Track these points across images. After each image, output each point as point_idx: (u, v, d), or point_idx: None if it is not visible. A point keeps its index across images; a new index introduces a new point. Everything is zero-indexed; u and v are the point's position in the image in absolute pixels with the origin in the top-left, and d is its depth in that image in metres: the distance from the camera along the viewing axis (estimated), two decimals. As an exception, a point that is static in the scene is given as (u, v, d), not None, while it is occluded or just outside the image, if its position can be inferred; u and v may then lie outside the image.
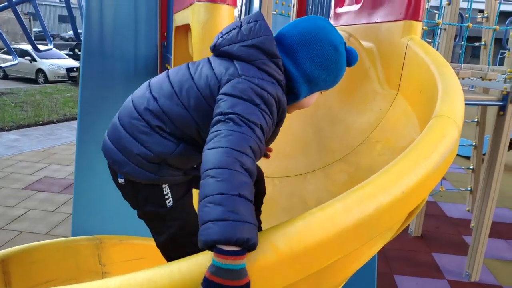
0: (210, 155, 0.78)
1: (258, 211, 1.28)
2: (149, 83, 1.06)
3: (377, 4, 1.61)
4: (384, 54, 1.54)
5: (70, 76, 13.80)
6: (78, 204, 2.40)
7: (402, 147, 0.91)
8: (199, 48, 1.29)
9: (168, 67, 2.23)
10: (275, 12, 3.86)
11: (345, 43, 1.07)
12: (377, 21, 1.60)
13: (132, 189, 1.04)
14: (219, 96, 0.90)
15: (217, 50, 1.02)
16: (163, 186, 1.01)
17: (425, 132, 0.91)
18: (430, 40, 3.91)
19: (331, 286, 0.87)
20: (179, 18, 1.71)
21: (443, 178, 4.82)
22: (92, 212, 2.41)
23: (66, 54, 16.03)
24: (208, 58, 1.04)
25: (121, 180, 1.04)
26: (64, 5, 3.58)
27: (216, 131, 0.82)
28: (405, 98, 1.40)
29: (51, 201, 4.42)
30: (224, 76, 0.93)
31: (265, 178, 1.46)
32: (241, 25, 1.00)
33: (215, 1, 1.26)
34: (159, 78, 1.05)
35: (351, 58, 1.07)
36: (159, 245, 1.10)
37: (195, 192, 1.27)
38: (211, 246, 0.68)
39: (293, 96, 1.03)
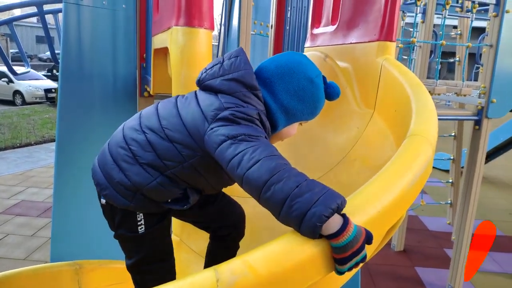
0: (256, 171, 0.82)
1: (234, 250, 1.29)
2: (140, 115, 1.10)
3: (352, 25, 1.65)
4: (360, 74, 1.58)
5: (48, 97, 13.62)
6: (57, 228, 2.35)
7: (380, 165, 0.93)
8: (178, 71, 1.30)
9: (147, 88, 2.23)
10: (253, 32, 3.92)
11: (325, 78, 1.12)
12: (352, 42, 1.64)
13: (110, 211, 1.10)
14: (213, 127, 0.94)
15: (201, 85, 1.07)
16: (138, 213, 1.07)
17: (400, 152, 0.93)
18: (406, 57, 4.01)
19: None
20: (158, 41, 1.73)
21: (424, 192, 4.90)
22: (71, 236, 2.36)
23: (44, 75, 15.85)
24: (195, 92, 1.08)
25: (103, 201, 1.10)
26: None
27: (239, 153, 0.86)
28: (381, 117, 1.43)
29: (29, 225, 4.30)
30: (211, 112, 0.97)
31: (245, 198, 1.46)
32: (223, 61, 1.06)
33: (193, 25, 1.28)
34: (149, 111, 1.10)
35: (330, 92, 1.12)
36: (127, 268, 1.15)
37: (175, 221, 1.27)
38: (320, 233, 0.73)
39: (272, 127, 1.07)
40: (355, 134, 1.50)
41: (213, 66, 1.06)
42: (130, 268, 1.14)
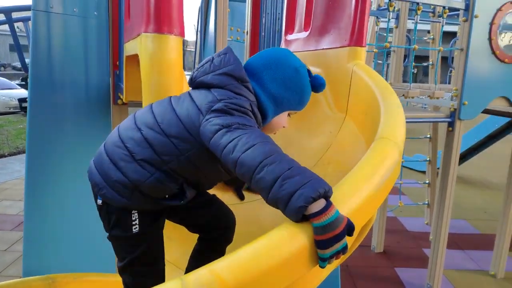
0: (250, 153, 0.87)
1: (221, 254, 1.29)
2: (134, 116, 1.15)
3: (324, 32, 1.67)
4: (332, 79, 1.60)
5: (23, 107, 13.27)
6: (29, 242, 2.28)
7: (352, 168, 0.94)
8: (148, 78, 1.29)
9: (121, 96, 2.20)
10: (230, 39, 3.93)
11: (309, 70, 1.19)
12: (324, 47, 1.66)
13: (106, 211, 1.11)
14: (208, 118, 0.99)
15: (193, 83, 1.14)
16: (133, 212, 1.08)
17: (367, 155, 0.94)
18: (380, 62, 4.09)
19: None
20: (129, 47, 1.71)
21: (402, 193, 4.97)
22: (44, 249, 2.30)
23: (18, 84, 15.46)
24: (189, 92, 1.13)
25: (99, 201, 1.11)
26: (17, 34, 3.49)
27: (234, 139, 0.91)
28: (352, 120, 1.45)
29: (2, 239, 4.16)
30: (205, 105, 1.03)
31: (234, 205, 1.45)
32: (213, 59, 1.13)
33: (162, 32, 1.27)
34: (143, 111, 1.14)
35: (316, 84, 1.19)
36: (119, 270, 1.16)
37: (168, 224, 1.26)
38: (303, 214, 0.77)
39: (262, 117, 1.13)
40: (328, 138, 1.51)
41: (203, 64, 1.13)
42: (122, 269, 1.15)
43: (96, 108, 2.38)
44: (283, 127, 1.23)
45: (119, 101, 2.37)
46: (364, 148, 1.29)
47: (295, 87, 1.14)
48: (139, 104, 2.65)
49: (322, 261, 0.77)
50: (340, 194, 0.84)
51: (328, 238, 0.76)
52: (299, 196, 0.77)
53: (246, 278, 0.69)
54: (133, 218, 1.09)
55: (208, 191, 1.28)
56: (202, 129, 0.98)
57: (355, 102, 1.44)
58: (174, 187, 1.07)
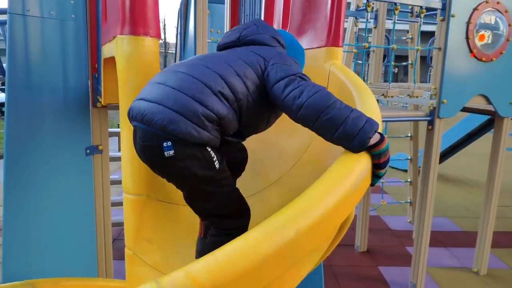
0: (318, 97, 1.05)
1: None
2: (203, 63, 1.19)
3: (301, 32, 1.68)
4: (310, 78, 1.60)
5: (2, 111, 13.01)
6: (9, 247, 2.23)
7: (327, 168, 0.94)
8: (124, 80, 1.27)
9: (100, 99, 2.17)
10: (210, 40, 3.91)
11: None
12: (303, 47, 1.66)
13: (179, 158, 1.04)
14: (273, 63, 1.17)
15: (242, 40, 1.31)
16: (209, 149, 1.09)
17: (343, 155, 0.95)
18: (360, 62, 4.13)
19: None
20: (106, 50, 1.69)
21: (384, 192, 5.03)
22: (25, 254, 2.25)
23: (-1, 88, 15.16)
24: (242, 48, 1.30)
25: (170, 152, 1.03)
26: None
27: (298, 87, 1.09)
28: (331, 120, 1.46)
29: (-19, 247, 4.06)
30: (268, 56, 1.20)
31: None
32: (253, 24, 1.35)
33: (138, 34, 1.25)
34: (203, 60, 1.21)
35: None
36: (209, 210, 1.17)
37: (128, 235, 1.23)
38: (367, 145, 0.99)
39: None
40: (307, 139, 1.51)
41: (247, 27, 1.34)
42: (213, 208, 1.16)
43: (75, 111, 2.34)
44: None
45: (98, 104, 2.33)
46: (342, 148, 1.30)
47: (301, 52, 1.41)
48: (118, 107, 2.62)
49: (379, 178, 1.02)
50: (316, 194, 0.84)
51: (384, 161, 1.00)
52: (364, 130, 0.98)
53: (222, 280, 0.68)
54: (212, 155, 1.09)
55: None
56: (267, 77, 1.14)
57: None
58: (237, 126, 1.17)
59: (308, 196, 0.82)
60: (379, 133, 1.01)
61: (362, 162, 0.94)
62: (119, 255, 2.50)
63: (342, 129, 0.99)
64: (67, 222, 2.31)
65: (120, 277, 2.04)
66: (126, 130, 1.28)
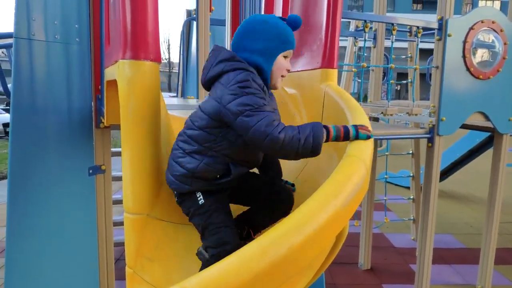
0: (270, 137, 1.15)
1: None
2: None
3: (298, 54, 1.73)
4: (306, 99, 1.65)
5: (7, 132, 13.15)
6: (11, 268, 2.24)
7: (324, 185, 0.97)
8: (125, 104, 1.32)
9: (103, 120, 2.22)
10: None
11: (280, 17, 1.36)
12: (298, 69, 1.71)
13: (182, 202, 1.37)
14: (226, 106, 1.22)
15: (205, 84, 1.38)
16: (197, 192, 1.34)
17: (335, 173, 0.98)
18: (359, 80, 4.19)
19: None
20: (109, 73, 1.74)
21: (388, 209, 5.01)
22: (27, 275, 2.27)
23: (3, 109, 15.36)
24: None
25: (175, 193, 1.39)
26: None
27: (250, 124, 1.17)
28: (327, 139, 1.49)
29: (-16, 267, 4.08)
30: (220, 94, 1.25)
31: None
32: (210, 55, 1.37)
33: (139, 58, 1.30)
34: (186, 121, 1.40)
35: (291, 21, 1.35)
36: (202, 239, 1.35)
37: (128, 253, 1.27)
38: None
39: (263, 72, 1.33)
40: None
41: (204, 69, 1.38)
42: (202, 236, 1.33)
43: (78, 132, 2.39)
44: (288, 70, 1.39)
45: (101, 125, 2.38)
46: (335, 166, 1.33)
47: (270, 34, 1.32)
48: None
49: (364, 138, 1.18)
50: (308, 210, 0.87)
51: (344, 136, 1.19)
52: (313, 140, 1.14)
53: (215, 295, 0.71)
54: (198, 196, 1.33)
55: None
56: (224, 114, 1.22)
57: (328, 121, 1.49)
58: (222, 168, 1.31)
59: (300, 213, 0.85)
60: (324, 126, 1.18)
61: (354, 178, 0.97)
62: (121, 274, 2.50)
63: (301, 148, 1.15)
64: (70, 241, 2.33)
65: (122, 296, 2.04)
66: (127, 150, 1.32)
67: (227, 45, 2.76)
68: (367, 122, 1.23)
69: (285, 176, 1.59)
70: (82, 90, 2.39)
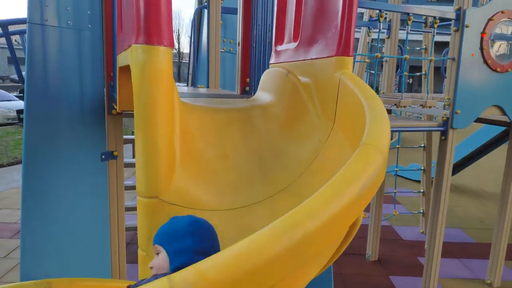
0: None
1: None
2: None
3: (312, 42, 1.71)
4: (320, 88, 1.63)
5: (21, 118, 13.32)
6: (26, 249, 2.29)
7: (338, 175, 0.96)
8: (139, 89, 1.31)
9: (115, 107, 2.23)
10: (223, 50, 3.98)
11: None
12: (312, 57, 1.69)
13: None
14: None
15: None
16: None
17: (351, 161, 0.97)
18: (373, 72, 4.13)
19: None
20: (121, 59, 1.74)
21: (397, 202, 4.99)
22: (41, 255, 2.31)
23: (16, 96, 15.54)
24: None
25: None
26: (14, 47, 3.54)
27: None
28: (340, 129, 1.47)
29: (1, 246, 4.20)
30: None
31: (211, 211, 1.47)
32: None
33: (152, 43, 1.29)
34: None
35: None
36: None
37: (141, 235, 1.27)
38: None
39: None
40: (316, 147, 1.53)
41: None
42: None
43: (91, 118, 2.41)
44: None
45: (113, 111, 2.39)
46: (350, 156, 1.32)
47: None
48: (132, 114, 2.68)
49: None
50: (323, 198, 0.86)
51: None
52: None
53: (229, 278, 0.71)
54: None
55: None
56: None
57: (343, 110, 1.47)
58: None
59: (316, 200, 0.84)
60: None
61: (370, 167, 0.95)
62: (132, 258, 2.54)
63: None
64: (83, 225, 2.37)
65: (134, 279, 2.07)
66: (140, 134, 1.32)
67: (239, 34, 2.74)
68: (384, 112, 1.21)
69: (294, 168, 1.58)
70: (94, 77, 2.40)
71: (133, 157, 7.60)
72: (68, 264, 2.31)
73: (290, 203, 1.46)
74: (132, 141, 3.57)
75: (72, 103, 2.36)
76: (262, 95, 1.98)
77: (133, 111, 2.08)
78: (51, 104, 2.31)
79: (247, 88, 2.70)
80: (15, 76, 28.51)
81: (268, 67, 2.21)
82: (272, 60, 2.12)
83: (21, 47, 3.79)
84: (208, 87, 3.57)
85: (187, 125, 1.63)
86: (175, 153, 1.47)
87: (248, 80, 2.68)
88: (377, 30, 3.06)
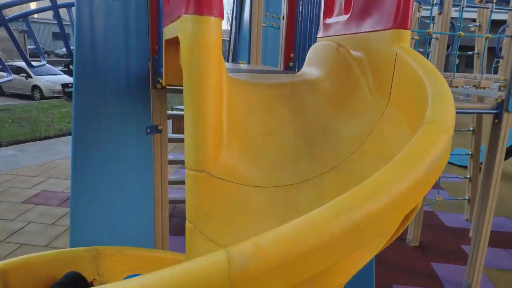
0: None
1: None
2: None
3: (365, 14, 1.61)
4: (374, 63, 1.54)
5: (66, 92, 13.83)
6: (75, 216, 2.38)
7: (394, 155, 0.90)
8: (188, 59, 1.29)
9: (160, 81, 2.23)
10: (265, 25, 3.88)
11: None
12: (365, 30, 1.60)
13: None
14: None
15: None
16: None
17: (414, 139, 0.90)
18: (422, 50, 3.93)
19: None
20: (168, 31, 1.72)
21: (440, 188, 4.81)
22: (90, 224, 2.40)
23: (61, 70, 16.10)
24: None
25: None
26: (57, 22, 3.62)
27: None
28: (396, 106, 1.39)
29: (50, 214, 4.42)
30: None
31: (256, 187, 1.45)
32: None
33: (202, 14, 1.26)
34: None
35: None
36: None
37: (189, 206, 1.27)
38: None
39: None
40: (369, 125, 1.46)
41: None
42: None
43: (136, 92, 2.43)
44: None
45: (158, 85, 2.41)
46: (409, 135, 1.25)
47: None
48: (178, 90, 2.68)
49: None
50: (384, 180, 0.81)
51: None
52: None
53: (289, 254, 0.68)
54: None
55: None
56: None
57: (399, 86, 1.38)
58: None
59: (378, 180, 0.79)
60: None
61: (436, 147, 0.89)
62: (173, 230, 2.58)
63: None
64: (128, 195, 2.43)
65: (175, 250, 2.11)
66: (189, 106, 1.30)
67: (283, 8, 2.65)
68: (447, 88, 1.12)
69: (344, 147, 1.52)
70: (140, 51, 2.41)
71: (173, 132, 7.73)
72: (114, 234, 2.39)
73: (340, 182, 1.41)
74: (172, 117, 3.62)
75: (119, 76, 2.39)
76: (309, 70, 1.91)
77: (178, 85, 2.07)
78: (99, 77, 2.35)
79: (291, 64, 2.62)
80: (59, 51, 29.51)
81: (314, 42, 2.13)
82: (320, 34, 2.04)
83: (68, 23, 3.88)
84: (249, 63, 3.52)
85: (233, 100, 1.59)
86: (222, 128, 1.45)
87: (292, 55, 2.61)
88: (427, 7, 2.88)
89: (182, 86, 1.42)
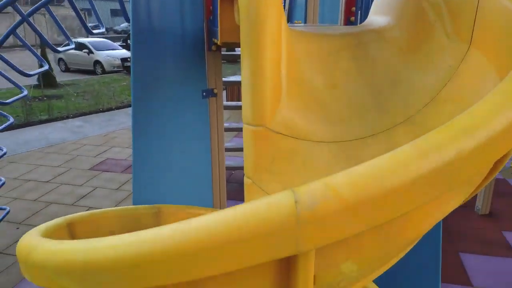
0: None
1: None
2: None
3: (443, -51, 1.44)
4: (452, 5, 1.38)
5: (125, 66, 14.33)
6: (138, 182, 2.46)
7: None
8: (246, 10, 1.21)
9: (215, 41, 2.18)
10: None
11: None
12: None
13: None
14: None
15: None
16: None
17: (506, 80, 0.77)
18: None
19: (401, 243, 0.78)
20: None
21: (514, 154, 4.44)
22: (151, 187, 2.48)
23: (120, 45, 16.65)
24: None
25: None
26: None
27: None
28: (479, 50, 1.24)
29: (114, 180, 4.68)
30: None
31: (318, 142, 1.38)
32: None
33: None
34: None
35: None
36: None
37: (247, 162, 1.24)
38: None
39: None
40: (446, 73, 1.32)
41: None
42: None
43: (192, 55, 2.41)
44: None
45: (213, 47, 2.37)
46: (496, 79, 1.10)
47: None
48: (233, 44, 2.63)
49: None
50: (482, 112, 0.70)
51: None
52: None
53: (366, 196, 0.61)
54: None
55: None
56: None
57: (484, 28, 1.22)
58: None
59: (472, 115, 0.69)
60: None
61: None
62: (230, 196, 2.59)
63: None
64: (187, 158, 2.46)
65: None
66: (247, 58, 1.24)
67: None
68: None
69: (418, 97, 1.39)
70: (194, 12, 2.37)
71: (227, 100, 7.78)
72: (174, 198, 2.44)
73: (414, 135, 1.30)
74: (226, 84, 3.59)
75: (175, 39, 2.37)
76: (376, 19, 1.77)
77: (234, 41, 2.01)
78: (156, 39, 2.35)
79: (352, 19, 2.46)
80: (117, 28, 30.55)
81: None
82: (387, -19, 1.87)
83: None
84: (305, 22, 3.38)
85: (293, 52, 1.51)
86: (281, 81, 1.38)
87: (353, 9, 2.44)
88: None
89: (238, 41, 1.36)
